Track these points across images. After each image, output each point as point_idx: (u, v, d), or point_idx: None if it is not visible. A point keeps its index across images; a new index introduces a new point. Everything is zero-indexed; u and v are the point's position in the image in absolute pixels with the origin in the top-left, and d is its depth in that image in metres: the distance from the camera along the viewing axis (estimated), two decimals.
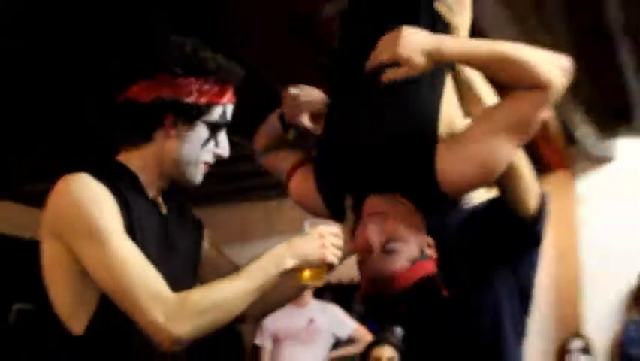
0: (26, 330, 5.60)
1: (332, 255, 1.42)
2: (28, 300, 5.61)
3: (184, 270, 1.42)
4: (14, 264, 5.02)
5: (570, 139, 4.51)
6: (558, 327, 4.62)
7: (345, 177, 1.56)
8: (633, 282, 4.46)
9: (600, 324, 4.44)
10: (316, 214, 1.65)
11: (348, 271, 5.61)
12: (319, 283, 1.48)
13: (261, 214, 5.57)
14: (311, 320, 4.02)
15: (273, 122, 1.77)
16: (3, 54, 3.31)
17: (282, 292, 1.57)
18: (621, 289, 4.50)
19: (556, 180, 4.68)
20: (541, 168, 4.17)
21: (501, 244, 1.74)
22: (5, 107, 3.97)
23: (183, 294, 1.25)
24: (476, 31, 1.75)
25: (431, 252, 1.50)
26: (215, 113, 1.43)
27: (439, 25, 1.59)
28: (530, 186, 1.66)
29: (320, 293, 4.54)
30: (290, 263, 1.36)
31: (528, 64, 1.36)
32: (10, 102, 3.90)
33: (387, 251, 1.44)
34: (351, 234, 1.55)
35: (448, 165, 1.44)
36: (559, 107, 3.79)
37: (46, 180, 1.32)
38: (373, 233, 1.45)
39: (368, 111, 1.58)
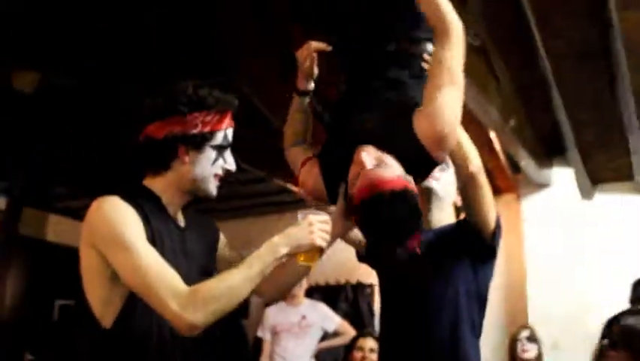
0: (67, 324, 5.52)
1: (320, 239, 1.38)
2: (68, 297, 5.54)
3: (199, 270, 1.41)
4: (57, 266, 4.98)
5: (516, 168, 4.54)
6: (509, 321, 4.61)
7: (342, 166, 1.54)
8: (569, 282, 4.47)
9: (541, 318, 4.42)
10: (317, 197, 1.65)
11: (335, 275, 5.59)
12: (312, 264, 1.44)
13: (262, 227, 5.55)
14: (303, 317, 3.99)
15: (294, 102, 1.79)
16: (64, 95, 3.32)
17: (290, 275, 1.57)
18: (559, 288, 4.51)
19: (505, 201, 4.72)
20: (494, 191, 4.20)
21: (465, 256, 1.77)
22: (59, 143, 4.01)
23: (195, 287, 1.25)
24: None
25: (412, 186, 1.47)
26: (219, 138, 1.43)
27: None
28: (490, 206, 1.70)
29: (310, 294, 4.51)
30: (284, 250, 1.34)
31: (442, 7, 1.45)
32: (65, 140, 3.95)
33: (378, 165, 1.43)
34: (342, 215, 1.53)
35: (422, 125, 1.45)
36: (507, 144, 3.83)
37: (85, 198, 1.32)
38: (366, 157, 1.44)
39: (365, 104, 1.60)
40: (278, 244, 1.34)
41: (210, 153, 1.42)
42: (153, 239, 1.31)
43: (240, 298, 1.28)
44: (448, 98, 1.44)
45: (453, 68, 1.45)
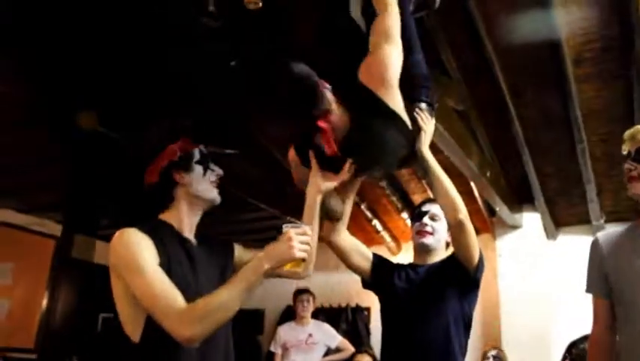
0: (108, 333, 5.46)
1: (299, 251, 1.29)
2: (110, 311, 5.48)
3: (209, 284, 1.36)
4: (101, 284, 4.94)
5: (492, 212, 4.55)
6: (484, 342, 4.51)
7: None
8: (536, 309, 4.38)
9: (512, 341, 4.35)
10: (297, 163, 1.63)
11: (337, 299, 5.48)
12: (299, 269, 1.37)
13: None
14: (310, 335, 3.92)
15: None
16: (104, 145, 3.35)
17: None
18: (527, 315, 4.42)
19: (482, 240, 4.58)
20: None
21: (454, 286, 1.76)
22: (105, 182, 4.06)
23: (192, 304, 1.22)
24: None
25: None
26: (197, 154, 1.46)
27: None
28: (475, 245, 1.71)
29: (316, 315, 4.45)
30: (267, 266, 1.26)
31: None
32: (109, 179, 4.00)
33: None
34: (318, 171, 1.49)
35: (364, 72, 1.48)
36: (484, 192, 3.83)
37: (117, 227, 1.33)
38: None
39: None
40: (262, 260, 1.28)
41: (198, 168, 1.44)
42: (168, 262, 1.30)
43: (232, 312, 1.25)
44: (384, 50, 1.48)
45: (391, 31, 1.51)
